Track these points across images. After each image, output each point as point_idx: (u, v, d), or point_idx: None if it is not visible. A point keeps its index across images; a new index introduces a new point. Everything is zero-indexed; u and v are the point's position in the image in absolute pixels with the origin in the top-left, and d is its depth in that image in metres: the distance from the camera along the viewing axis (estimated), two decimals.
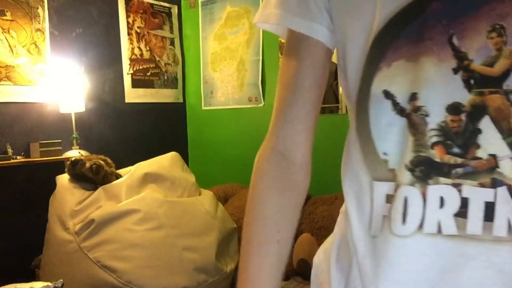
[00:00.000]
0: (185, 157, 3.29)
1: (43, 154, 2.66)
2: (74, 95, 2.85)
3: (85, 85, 3.02)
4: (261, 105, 3.24)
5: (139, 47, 3.42)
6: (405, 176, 0.55)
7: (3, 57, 2.65)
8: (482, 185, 0.52)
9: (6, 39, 2.66)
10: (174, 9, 3.68)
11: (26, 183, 2.72)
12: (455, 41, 0.52)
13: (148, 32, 3.48)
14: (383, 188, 0.58)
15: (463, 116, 0.53)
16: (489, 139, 0.52)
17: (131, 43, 3.37)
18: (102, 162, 2.38)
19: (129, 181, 2.37)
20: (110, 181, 2.36)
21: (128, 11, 3.34)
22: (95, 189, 2.31)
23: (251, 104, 3.30)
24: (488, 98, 0.52)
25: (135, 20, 3.39)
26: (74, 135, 2.89)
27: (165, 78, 3.62)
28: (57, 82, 2.84)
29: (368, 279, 0.60)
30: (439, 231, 0.54)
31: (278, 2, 0.64)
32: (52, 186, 2.36)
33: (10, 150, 2.60)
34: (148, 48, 3.48)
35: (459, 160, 0.53)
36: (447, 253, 0.54)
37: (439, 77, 0.53)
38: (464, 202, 0.53)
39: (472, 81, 0.52)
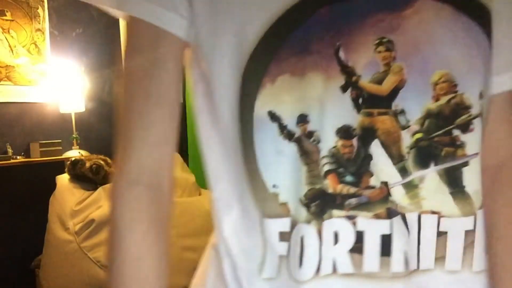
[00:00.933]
0: (185, 157, 3.29)
1: (43, 154, 2.66)
2: (74, 95, 2.85)
3: (85, 85, 3.02)
4: None
5: None
6: (301, 212, 0.48)
7: (3, 57, 2.65)
8: (377, 217, 0.47)
9: (6, 39, 2.67)
10: None
11: (26, 183, 2.72)
12: (341, 54, 0.45)
13: None
14: (275, 226, 0.49)
15: (354, 141, 0.47)
16: (380, 166, 0.47)
17: None
18: (102, 162, 2.38)
19: None
20: (110, 181, 2.36)
21: None
22: (95, 189, 2.31)
23: None
24: (377, 120, 0.46)
25: None
26: (74, 135, 2.89)
27: None
28: (57, 82, 2.84)
29: None
30: (335, 270, 0.48)
31: None
32: (52, 186, 2.36)
33: (10, 150, 2.61)
34: None
35: (352, 190, 0.47)
36: None
37: (328, 96, 0.46)
38: (360, 236, 0.47)
39: (360, 100, 0.46)
